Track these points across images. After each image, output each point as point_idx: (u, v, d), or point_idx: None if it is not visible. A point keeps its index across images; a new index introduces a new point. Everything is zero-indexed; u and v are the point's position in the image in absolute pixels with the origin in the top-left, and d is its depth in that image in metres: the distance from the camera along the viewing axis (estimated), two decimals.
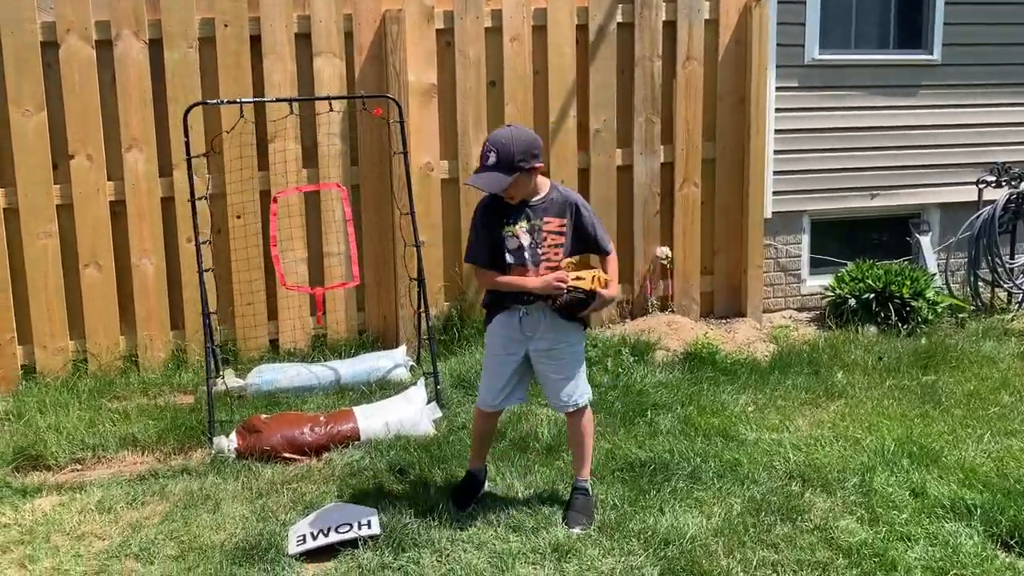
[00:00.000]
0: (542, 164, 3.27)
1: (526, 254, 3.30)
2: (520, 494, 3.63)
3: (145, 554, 3.30)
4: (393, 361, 4.90)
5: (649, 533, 3.32)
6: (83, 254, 4.95)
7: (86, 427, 4.28)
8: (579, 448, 3.56)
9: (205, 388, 4.41)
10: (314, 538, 3.31)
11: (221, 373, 4.78)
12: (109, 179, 4.96)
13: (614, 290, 3.39)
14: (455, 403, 4.54)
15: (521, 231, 3.30)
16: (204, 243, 4.51)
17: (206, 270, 4.51)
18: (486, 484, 3.67)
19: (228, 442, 4.13)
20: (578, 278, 3.28)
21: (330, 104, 4.74)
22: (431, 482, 3.74)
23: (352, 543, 3.28)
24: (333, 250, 5.24)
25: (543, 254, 3.31)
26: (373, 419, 4.21)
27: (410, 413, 4.24)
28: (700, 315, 5.99)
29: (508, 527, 3.40)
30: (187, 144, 4.40)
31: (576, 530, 3.35)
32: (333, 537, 3.30)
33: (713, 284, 6.04)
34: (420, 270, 4.71)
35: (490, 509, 3.53)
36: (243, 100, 4.47)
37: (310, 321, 5.29)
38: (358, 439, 4.15)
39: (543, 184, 3.36)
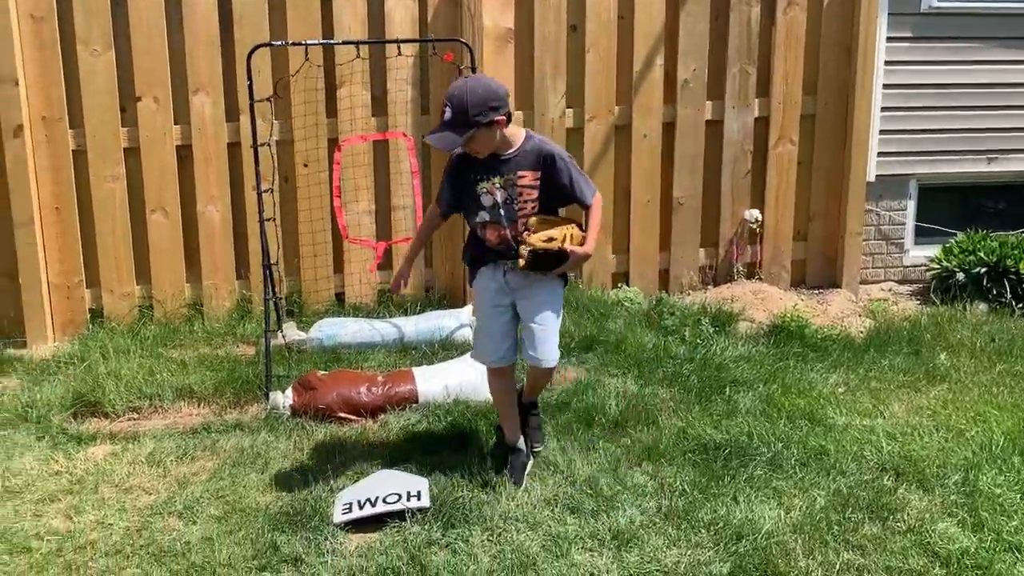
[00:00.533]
0: (503, 116, 3.05)
1: (501, 211, 3.17)
2: (581, 472, 3.37)
3: (188, 512, 3.19)
4: (458, 321, 4.68)
5: (720, 525, 3.02)
6: (149, 199, 4.87)
7: (145, 376, 4.21)
8: (531, 391, 3.53)
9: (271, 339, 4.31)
10: (360, 507, 3.14)
11: (282, 326, 4.65)
12: (176, 123, 4.84)
13: (590, 246, 3.18)
14: (519, 367, 4.28)
15: (495, 187, 3.16)
16: (266, 191, 4.35)
17: (267, 219, 4.36)
18: (533, 455, 3.46)
19: (284, 398, 3.99)
20: (549, 239, 3.10)
21: (399, 48, 4.49)
22: (487, 452, 3.52)
23: (400, 515, 3.09)
24: (400, 203, 5.02)
25: (519, 209, 3.17)
26: (432, 381, 4.01)
27: (470, 377, 4.02)
28: (790, 284, 5.58)
29: (566, 507, 3.16)
30: (250, 88, 4.22)
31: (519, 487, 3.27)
32: (380, 507, 3.12)
33: (806, 251, 5.61)
34: None
35: (548, 486, 3.29)
36: (307, 42, 4.26)
37: (377, 275, 5.12)
38: (416, 402, 3.96)
39: (516, 135, 3.17)
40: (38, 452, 3.66)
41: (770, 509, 3.11)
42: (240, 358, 4.49)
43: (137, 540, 3.03)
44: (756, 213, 5.43)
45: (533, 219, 3.15)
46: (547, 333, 3.27)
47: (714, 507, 3.13)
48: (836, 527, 3.02)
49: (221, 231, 4.97)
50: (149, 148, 4.81)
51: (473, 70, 4.31)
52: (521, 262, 3.13)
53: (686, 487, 3.25)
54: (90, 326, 4.89)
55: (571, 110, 5.14)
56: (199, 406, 4.13)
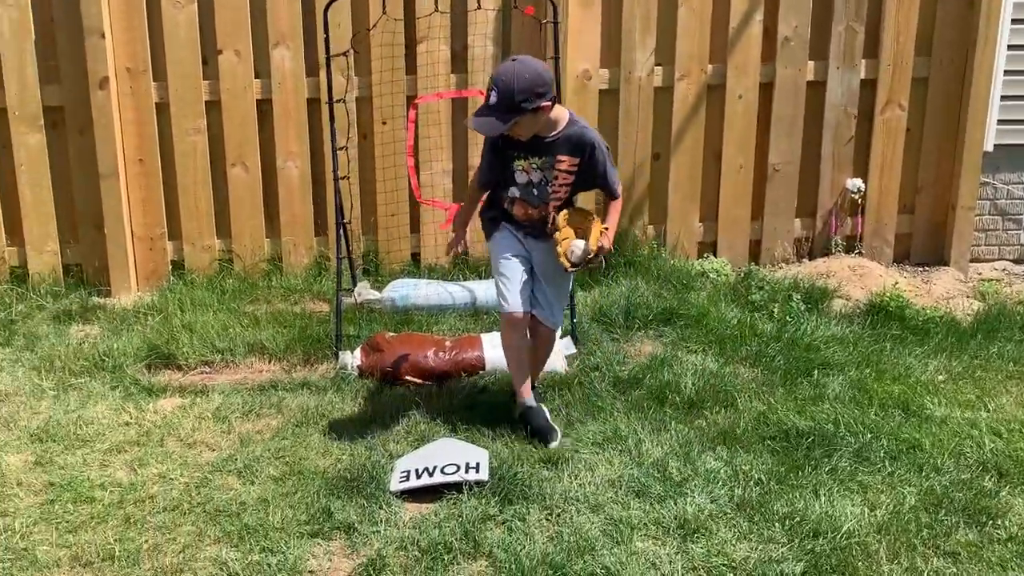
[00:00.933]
0: (549, 103, 3.08)
1: (534, 190, 3.24)
2: (649, 453, 3.19)
3: (247, 472, 3.17)
4: None
5: (797, 519, 2.81)
6: (230, 153, 4.86)
7: (219, 330, 4.22)
8: (539, 364, 3.56)
9: (344, 298, 4.26)
10: (418, 476, 3.05)
11: (356, 284, 4.59)
12: (257, 77, 4.80)
13: (610, 243, 3.28)
14: (592, 339, 4.12)
15: (532, 167, 3.20)
16: (341, 149, 4.26)
17: (343, 177, 4.28)
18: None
19: (352, 358, 3.94)
20: (597, 247, 3.20)
21: (479, 1, 4.29)
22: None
23: (457, 486, 2.99)
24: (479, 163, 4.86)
25: (552, 192, 3.24)
26: (500, 349, 3.86)
27: None
28: (892, 260, 5.21)
29: (631, 491, 2.99)
30: (326, 41, 4.12)
31: (554, 444, 3.26)
32: (438, 478, 3.02)
33: (912, 225, 5.22)
34: None
35: (614, 466, 3.13)
36: None
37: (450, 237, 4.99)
38: (483, 369, 3.84)
39: (560, 117, 3.20)
40: (111, 402, 3.70)
41: (853, 506, 2.87)
42: (313, 315, 4.46)
43: (195, 497, 3.02)
44: (859, 182, 5.06)
45: (562, 214, 3.20)
46: (559, 297, 3.42)
47: (791, 500, 2.91)
48: (926, 530, 2.76)
49: (300, 187, 4.93)
50: (230, 101, 4.78)
51: (555, 25, 4.09)
52: (567, 264, 3.20)
53: (762, 476, 3.04)
54: (171, 278, 4.94)
55: (660, 68, 4.87)
56: (270, 362, 4.11)
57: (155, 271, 4.96)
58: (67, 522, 2.90)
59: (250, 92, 4.78)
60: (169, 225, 4.93)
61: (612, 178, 3.28)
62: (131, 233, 4.86)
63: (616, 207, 3.35)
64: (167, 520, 2.90)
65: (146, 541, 2.80)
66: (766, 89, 4.93)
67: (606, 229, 3.25)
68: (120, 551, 2.74)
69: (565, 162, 3.18)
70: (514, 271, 3.32)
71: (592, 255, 3.18)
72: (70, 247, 4.90)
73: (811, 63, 4.92)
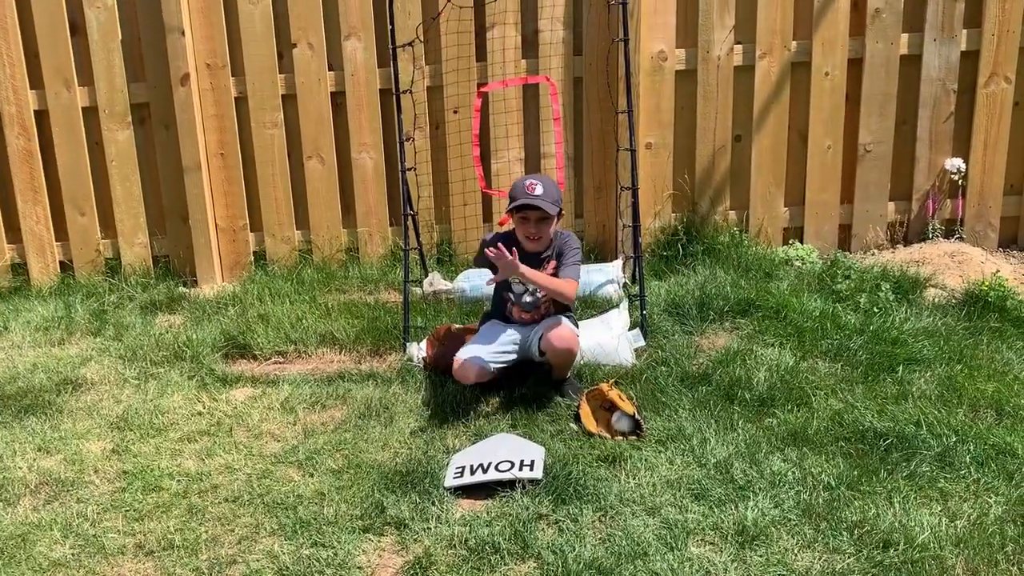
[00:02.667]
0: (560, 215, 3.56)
1: (527, 298, 3.60)
2: (713, 453, 3.06)
3: (308, 464, 3.20)
4: (605, 276, 4.42)
5: (867, 528, 2.63)
6: (306, 146, 4.93)
7: (293, 321, 4.30)
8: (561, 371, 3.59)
9: (415, 288, 4.27)
10: (472, 472, 3.01)
11: (429, 274, 4.59)
12: (330, 69, 4.84)
13: (526, 270, 3.41)
14: (662, 332, 3.98)
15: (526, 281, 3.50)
16: (408, 140, 4.25)
17: (409, 169, 4.27)
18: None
19: (419, 350, 3.94)
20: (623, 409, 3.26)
21: None
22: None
23: (511, 484, 2.94)
24: (551, 151, 4.78)
25: (543, 298, 3.60)
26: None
27: (607, 339, 3.78)
28: (997, 246, 4.86)
29: (690, 493, 2.87)
30: (392, 32, 4.12)
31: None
32: (491, 475, 2.98)
33: (1020, 207, 4.85)
34: (634, 177, 4.12)
35: (675, 466, 3.01)
36: None
37: None
38: None
39: (549, 237, 3.57)
40: (187, 391, 3.82)
41: (930, 515, 2.67)
42: (385, 306, 4.49)
43: (256, 488, 3.08)
44: (959, 162, 4.73)
45: (586, 407, 3.32)
46: (562, 323, 3.48)
47: (863, 507, 2.73)
48: (1012, 544, 2.54)
49: (374, 178, 4.97)
50: (305, 94, 4.85)
51: (624, 5, 3.94)
52: (620, 438, 3.22)
53: (832, 481, 2.86)
54: (254, 268, 5.07)
55: (740, 46, 4.65)
56: (340, 353, 4.16)
57: (238, 262, 5.09)
58: (135, 510, 3.00)
59: (324, 84, 4.83)
60: (250, 217, 5.05)
61: (577, 268, 3.55)
62: (215, 225, 5.01)
63: (558, 280, 3.50)
64: (227, 511, 2.96)
65: (206, 531, 2.86)
66: (855, 65, 4.65)
67: (615, 383, 3.41)
68: (180, 541, 2.81)
69: (547, 269, 3.52)
70: (491, 334, 3.60)
71: (636, 414, 3.22)
72: (158, 239, 5.09)
73: (904, 36, 4.61)
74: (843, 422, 3.19)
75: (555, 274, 3.52)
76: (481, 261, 3.64)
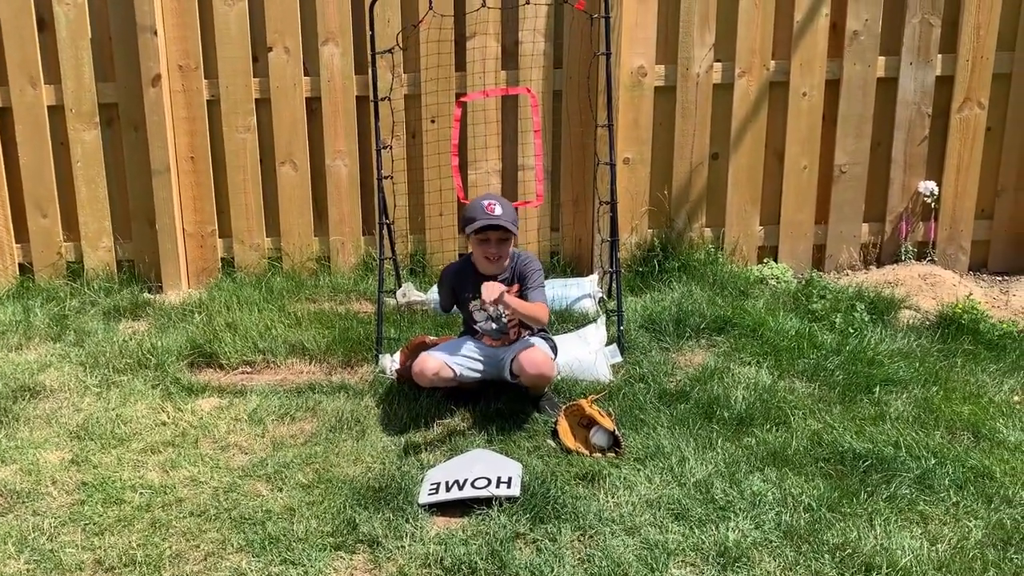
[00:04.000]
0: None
1: (493, 325, 3.54)
2: (693, 472, 3.02)
3: (277, 478, 3.11)
4: (581, 291, 4.38)
5: (848, 551, 2.61)
6: (279, 151, 4.83)
7: (261, 330, 4.19)
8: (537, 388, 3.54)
9: (388, 299, 4.19)
10: (448, 489, 2.94)
11: (402, 285, 4.51)
12: (306, 74, 4.76)
13: (508, 298, 3.30)
14: (639, 348, 3.95)
15: (488, 307, 3.42)
16: (386, 148, 4.18)
17: (386, 177, 4.21)
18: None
19: (392, 362, 3.86)
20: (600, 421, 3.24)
21: None
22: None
23: (487, 501, 2.87)
24: (529, 163, 4.74)
25: (509, 322, 3.52)
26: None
27: (585, 355, 3.73)
28: (968, 269, 4.91)
29: (670, 513, 2.82)
30: (371, 38, 4.05)
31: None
32: (467, 492, 2.91)
33: (991, 231, 4.90)
34: (612, 191, 4.09)
35: (654, 485, 2.97)
36: None
37: None
38: None
39: (506, 255, 3.51)
40: (150, 400, 3.70)
41: (911, 538, 2.65)
42: (357, 316, 4.40)
43: (223, 502, 2.97)
44: (932, 185, 4.77)
45: (564, 423, 3.27)
46: (535, 346, 3.40)
47: (844, 529, 2.71)
48: (993, 569, 2.53)
49: (348, 185, 4.88)
50: (280, 99, 4.76)
51: (607, 20, 3.92)
52: (598, 454, 3.18)
53: (813, 502, 2.83)
54: (221, 275, 4.95)
55: (720, 64, 4.66)
56: (310, 363, 4.07)
57: (205, 268, 4.97)
58: (95, 524, 2.88)
59: (299, 89, 4.75)
60: (219, 223, 4.93)
61: (534, 290, 3.45)
62: (182, 230, 4.88)
63: (528, 304, 3.40)
64: (192, 525, 2.86)
65: (170, 547, 2.75)
66: (832, 86, 4.68)
67: (595, 398, 3.38)
68: (142, 557, 2.70)
69: (512, 292, 3.41)
70: (459, 343, 3.55)
71: (614, 431, 3.18)
72: (123, 243, 4.95)
73: (882, 59, 4.65)
74: (822, 442, 3.17)
75: (521, 296, 3.45)
76: (445, 296, 3.66)
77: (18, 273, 4.95)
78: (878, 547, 2.61)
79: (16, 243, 4.92)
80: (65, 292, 4.79)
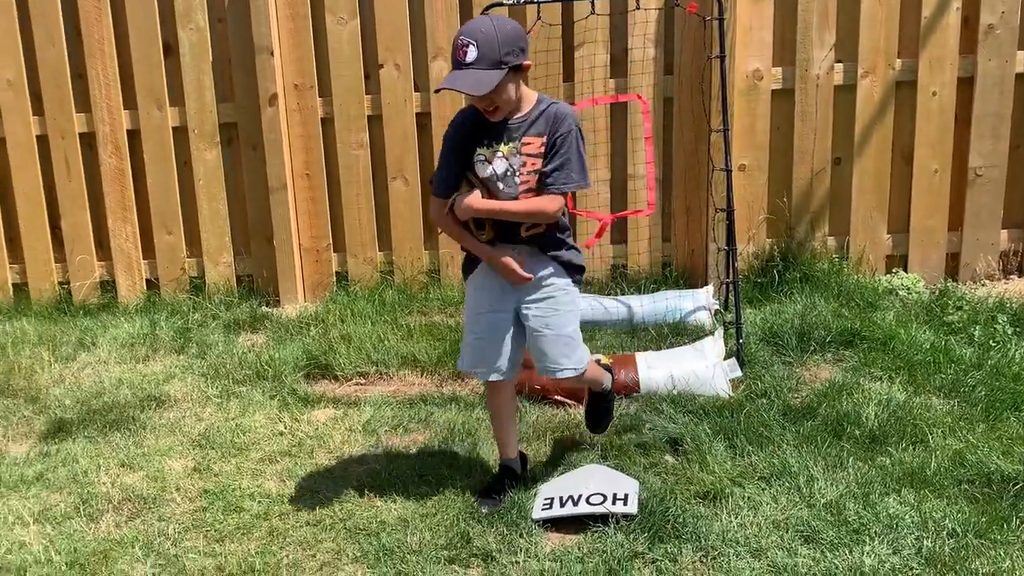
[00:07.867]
0: (529, 62, 2.65)
1: (500, 184, 2.70)
2: (822, 493, 2.84)
3: (390, 489, 3.09)
4: (695, 303, 4.24)
5: None
6: (391, 167, 4.89)
7: (375, 342, 4.23)
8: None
9: None
10: (562, 505, 2.86)
11: None
12: (416, 90, 4.80)
13: (482, 203, 2.69)
14: (760, 362, 3.77)
15: (496, 156, 2.68)
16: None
17: None
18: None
19: None
20: None
21: (637, 1, 4.06)
22: (712, 457, 3.09)
23: (603, 519, 2.77)
24: (639, 171, 4.63)
25: (522, 182, 2.70)
26: (656, 370, 3.63)
27: (701, 368, 3.59)
28: None
29: (799, 535, 2.66)
30: None
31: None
32: (582, 508, 2.82)
33: None
34: (729, 199, 3.94)
35: (780, 505, 2.80)
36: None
37: (610, 249, 4.79)
38: (637, 390, 3.61)
39: (528, 98, 2.72)
40: (268, 411, 3.77)
41: None
42: None
43: (338, 512, 2.97)
44: None
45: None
46: (563, 342, 2.85)
47: (994, 557, 2.48)
48: None
49: None
50: (391, 115, 4.81)
51: (721, 21, 3.80)
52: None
53: (957, 527, 2.61)
54: (335, 289, 5.03)
55: (841, 64, 4.45)
56: (422, 375, 4.07)
57: (320, 282, 5.07)
58: (216, 531, 2.93)
59: (410, 105, 4.79)
60: (334, 237, 5.02)
61: (572, 169, 2.66)
62: (299, 245, 4.99)
63: (539, 200, 2.69)
64: (309, 535, 2.87)
65: (287, 555, 2.77)
66: (965, 84, 4.40)
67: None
68: (261, 564, 2.72)
69: (533, 144, 2.67)
70: (491, 329, 2.90)
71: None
72: (242, 258, 5.10)
73: (1020, 53, 4.35)
74: (965, 463, 2.94)
75: (540, 154, 2.68)
76: (448, 162, 2.78)
77: (145, 288, 5.17)
78: None
79: (143, 259, 5.14)
80: (188, 306, 4.96)
